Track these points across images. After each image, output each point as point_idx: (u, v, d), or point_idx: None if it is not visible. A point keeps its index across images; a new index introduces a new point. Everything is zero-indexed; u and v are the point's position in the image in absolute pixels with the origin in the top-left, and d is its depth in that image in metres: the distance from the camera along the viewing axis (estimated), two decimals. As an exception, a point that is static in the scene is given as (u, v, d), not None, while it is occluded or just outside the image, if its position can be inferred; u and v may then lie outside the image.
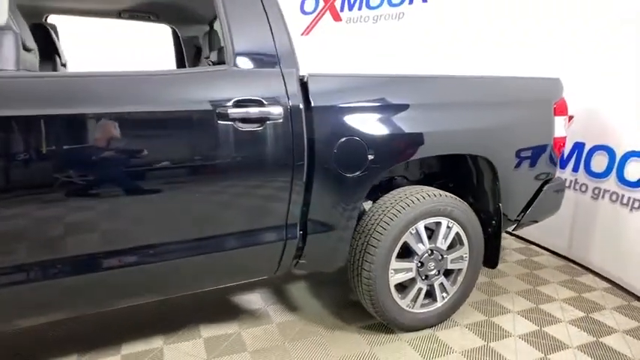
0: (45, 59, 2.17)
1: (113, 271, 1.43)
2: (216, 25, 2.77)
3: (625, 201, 2.53)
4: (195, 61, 2.88)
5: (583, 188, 2.81)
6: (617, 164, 2.58)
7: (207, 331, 2.06)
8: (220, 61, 2.26)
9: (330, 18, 4.71)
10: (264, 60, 1.61)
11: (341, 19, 4.65)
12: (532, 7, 3.16)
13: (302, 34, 4.83)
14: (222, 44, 1.64)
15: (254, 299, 2.38)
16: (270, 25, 1.62)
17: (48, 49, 2.20)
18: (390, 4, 4.33)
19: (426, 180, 2.37)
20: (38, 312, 1.46)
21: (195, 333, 2.04)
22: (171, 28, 2.82)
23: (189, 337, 2.01)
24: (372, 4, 4.45)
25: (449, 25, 3.82)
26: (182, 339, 1.99)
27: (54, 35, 2.27)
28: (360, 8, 4.54)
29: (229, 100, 1.50)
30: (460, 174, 2.30)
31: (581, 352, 1.96)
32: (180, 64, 2.91)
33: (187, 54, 2.87)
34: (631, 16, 2.52)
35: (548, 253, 3.11)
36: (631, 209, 2.50)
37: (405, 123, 1.81)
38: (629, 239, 2.49)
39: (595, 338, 2.08)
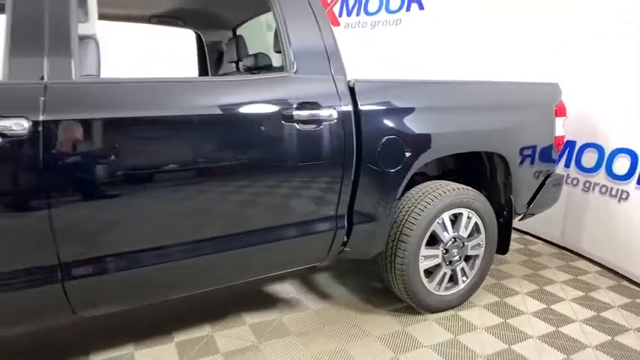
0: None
1: (205, 257, 1.59)
2: (240, 31, 2.92)
3: (614, 193, 2.83)
4: (218, 64, 3.02)
5: (574, 182, 3.11)
6: (606, 160, 2.89)
7: (251, 318, 2.21)
8: (256, 67, 2.42)
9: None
10: (318, 67, 1.78)
11: (339, 24, 4.84)
12: (527, 13, 3.43)
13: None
14: (282, 53, 1.79)
15: (286, 289, 2.53)
16: (322, 38, 1.80)
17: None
18: (388, 11, 4.56)
19: (443, 176, 2.59)
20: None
21: (240, 320, 2.19)
22: (196, 33, 2.94)
23: (236, 324, 2.15)
24: (370, 10, 4.67)
25: (445, 31, 4.07)
26: (229, 326, 2.14)
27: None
28: (358, 14, 4.75)
29: (292, 103, 1.67)
30: (474, 170, 2.53)
31: (586, 325, 2.22)
32: (203, 67, 3.04)
33: (210, 58, 3.00)
34: (618, 23, 2.82)
35: (542, 242, 3.41)
36: (619, 200, 2.80)
37: (437, 123, 2.03)
38: (619, 227, 2.79)
39: (596, 313, 2.35)
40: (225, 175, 1.59)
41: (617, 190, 2.81)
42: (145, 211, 1.46)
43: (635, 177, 2.69)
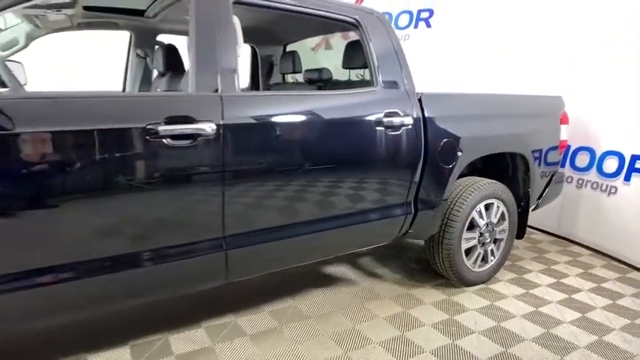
0: (175, 76, 2.60)
1: (321, 232, 2.00)
2: (290, 47, 3.32)
3: (604, 188, 3.42)
4: (268, 75, 3.40)
5: (569, 180, 3.68)
6: (597, 161, 3.47)
7: (321, 292, 2.61)
8: (320, 80, 2.83)
9: (339, 36, 5.35)
10: (396, 83, 2.22)
11: (350, 38, 5.30)
12: (526, 32, 3.97)
13: (312, 50, 5.43)
14: (369, 72, 2.22)
15: (334, 270, 2.95)
16: (398, 58, 2.24)
17: (178, 66, 2.63)
18: (397, 27, 5.06)
19: (471, 173, 3.07)
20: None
21: (313, 294, 2.58)
22: (252, 47, 3.32)
23: (310, 298, 2.55)
24: (381, 26, 5.15)
25: (450, 47, 4.60)
26: (303, 301, 2.53)
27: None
28: (370, 29, 5.22)
29: (381, 112, 2.10)
30: (498, 168, 3.02)
31: (592, 294, 2.75)
32: (254, 77, 3.41)
33: (262, 69, 3.38)
34: (613, 37, 3.39)
35: (539, 232, 3.97)
36: (608, 194, 3.39)
37: (481, 128, 2.51)
38: (609, 216, 3.37)
39: (597, 284, 2.89)
40: (335, 168, 2.00)
41: (607, 185, 3.40)
42: (288, 196, 1.85)
43: (623, 174, 3.27)
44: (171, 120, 1.54)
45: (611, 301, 2.66)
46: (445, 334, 2.22)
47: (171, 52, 2.58)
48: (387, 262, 3.13)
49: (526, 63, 3.90)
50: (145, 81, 2.93)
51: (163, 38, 2.98)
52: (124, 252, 1.54)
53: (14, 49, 2.45)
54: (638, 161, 3.18)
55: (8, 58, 2.40)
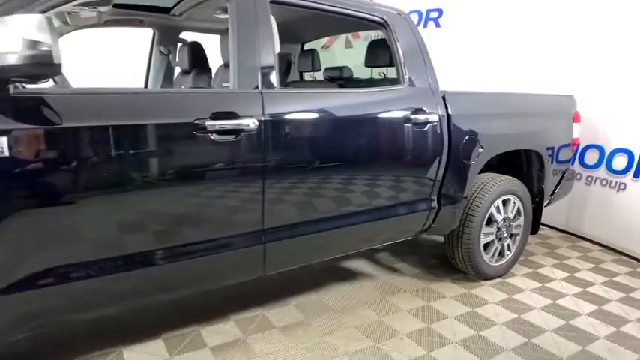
0: (202, 73, 2.64)
1: (356, 225, 2.05)
2: (308, 46, 3.37)
3: (613, 185, 3.50)
4: (286, 73, 3.44)
5: (578, 177, 3.75)
6: (606, 158, 3.55)
7: (344, 286, 2.66)
8: (341, 77, 2.88)
9: (351, 35, 5.40)
10: (422, 81, 2.28)
11: (360, 37, 5.35)
12: (534, 33, 4.05)
13: (322, 48, 5.47)
14: (396, 70, 2.27)
15: (354, 265, 3.00)
16: (423, 58, 2.30)
17: (203, 64, 2.67)
18: (406, 27, 5.11)
19: (485, 170, 3.14)
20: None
21: (336, 287, 2.64)
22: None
23: (334, 291, 2.60)
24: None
25: (460, 46, 4.66)
26: (327, 295, 2.58)
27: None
28: (378, 28, 5.27)
29: (409, 109, 2.16)
30: (512, 164, 3.08)
31: (605, 287, 2.83)
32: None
33: (280, 67, 3.42)
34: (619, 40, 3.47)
35: (548, 227, 4.04)
36: (617, 190, 3.47)
37: (501, 126, 2.58)
38: (618, 212, 3.45)
39: (609, 278, 2.97)
40: (365, 163, 2.06)
41: (616, 182, 3.48)
42: (323, 190, 1.91)
43: (632, 171, 3.35)
44: (217, 116, 1.58)
45: (625, 294, 2.73)
46: (469, 326, 2.28)
47: (197, 49, 2.62)
48: (405, 257, 3.19)
49: (535, 62, 3.97)
50: (167, 78, 2.97)
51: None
52: (175, 244, 1.58)
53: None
54: (647, 158, 3.26)
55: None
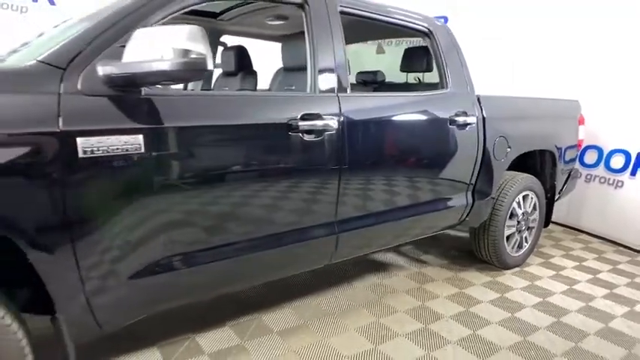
0: (248, 76, 2.78)
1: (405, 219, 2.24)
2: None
3: (611, 182, 3.82)
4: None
5: (578, 175, 4.07)
6: (604, 158, 3.87)
7: (379, 278, 2.85)
8: (374, 81, 3.07)
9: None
10: (462, 86, 2.50)
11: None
12: (533, 42, 4.35)
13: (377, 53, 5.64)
14: (439, 76, 2.48)
15: (384, 258, 3.20)
16: (462, 65, 2.52)
17: (249, 67, 2.80)
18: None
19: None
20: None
21: (369, 279, 2.82)
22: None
23: (369, 282, 2.79)
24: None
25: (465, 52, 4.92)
26: (372, 282, 2.76)
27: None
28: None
29: (453, 111, 2.37)
30: (528, 163, 3.34)
31: (612, 274, 3.12)
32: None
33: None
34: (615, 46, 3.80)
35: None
36: (615, 187, 3.79)
37: (525, 128, 2.83)
38: (616, 207, 3.78)
39: (613, 266, 3.27)
40: (419, 160, 2.26)
41: (614, 180, 3.80)
42: (385, 184, 2.09)
43: (629, 170, 3.68)
44: (306, 116, 1.74)
45: (630, 280, 3.03)
46: (502, 309, 2.51)
47: (243, 53, 2.75)
48: (429, 249, 3.41)
49: (537, 67, 4.27)
50: (206, 80, 3.08)
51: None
52: (270, 233, 1.74)
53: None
54: (643, 158, 3.60)
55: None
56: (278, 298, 2.48)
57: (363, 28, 2.49)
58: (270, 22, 2.78)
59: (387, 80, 3.13)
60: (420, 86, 2.90)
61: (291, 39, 2.25)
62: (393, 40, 4.33)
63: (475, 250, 3.07)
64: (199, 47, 1.24)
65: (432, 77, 2.74)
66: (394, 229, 2.27)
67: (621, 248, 3.71)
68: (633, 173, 3.67)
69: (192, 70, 1.24)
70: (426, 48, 2.57)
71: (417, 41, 3.08)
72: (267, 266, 1.85)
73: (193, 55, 1.24)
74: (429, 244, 3.51)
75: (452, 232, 3.64)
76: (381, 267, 3.03)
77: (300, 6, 1.90)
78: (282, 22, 2.79)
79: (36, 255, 1.21)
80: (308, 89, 1.88)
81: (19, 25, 4.09)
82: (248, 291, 2.56)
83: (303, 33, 1.93)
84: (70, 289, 1.30)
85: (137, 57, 1.26)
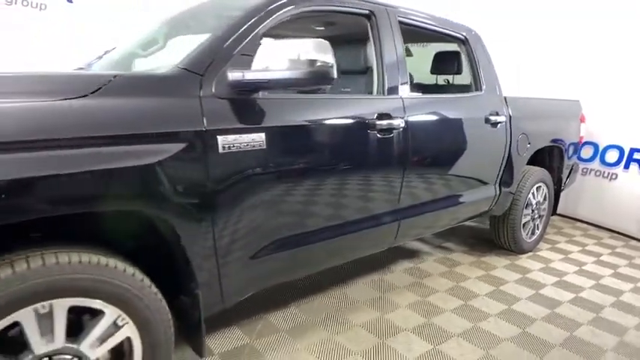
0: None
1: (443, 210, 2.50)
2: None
3: (606, 175, 4.21)
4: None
5: (578, 168, 4.43)
6: (600, 153, 4.26)
7: (408, 263, 3.12)
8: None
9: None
10: (493, 88, 2.77)
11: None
12: (532, 42, 4.69)
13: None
14: (473, 79, 2.75)
15: (412, 245, 3.47)
16: (492, 69, 2.80)
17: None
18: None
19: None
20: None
21: (403, 264, 3.09)
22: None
23: (402, 267, 3.05)
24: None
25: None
26: (407, 267, 3.03)
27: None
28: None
29: (487, 111, 2.64)
30: (538, 158, 3.66)
31: (612, 257, 3.50)
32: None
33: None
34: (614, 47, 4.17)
35: (546, 213, 4.73)
36: (610, 179, 4.19)
37: (541, 126, 3.14)
38: (610, 198, 4.17)
39: (612, 250, 3.65)
40: (462, 155, 2.52)
41: (609, 173, 4.19)
42: (434, 176, 2.35)
43: (623, 164, 4.08)
44: (380, 116, 1.97)
45: (629, 261, 3.41)
46: (528, 287, 2.81)
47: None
48: (449, 238, 3.70)
49: (539, 68, 4.62)
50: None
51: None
52: (352, 219, 1.97)
53: (154, 48, 2.70)
54: (636, 153, 3.99)
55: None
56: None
57: (406, 34, 2.73)
58: (315, 27, 2.98)
59: (414, 82, 3.38)
60: (451, 88, 3.16)
61: (348, 44, 2.47)
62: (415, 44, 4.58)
63: (495, 237, 3.38)
64: (327, 58, 1.45)
65: (460, 79, 3.02)
66: (442, 216, 2.54)
67: (616, 234, 4.10)
68: (626, 166, 4.06)
69: (320, 78, 1.45)
70: (456, 52, 2.84)
71: (441, 45, 3.33)
72: (349, 247, 2.09)
73: (321, 65, 1.45)
74: (448, 233, 3.80)
75: (466, 222, 3.94)
76: (411, 254, 3.30)
77: (368, 17, 2.12)
78: (329, 28, 2.99)
79: (187, 236, 1.40)
80: (374, 92, 2.11)
81: (38, 22, 4.13)
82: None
83: (359, 39, 2.16)
84: (208, 268, 1.49)
85: (266, 65, 1.46)
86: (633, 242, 3.91)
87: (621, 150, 4.11)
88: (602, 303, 2.65)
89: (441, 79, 3.29)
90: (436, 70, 3.05)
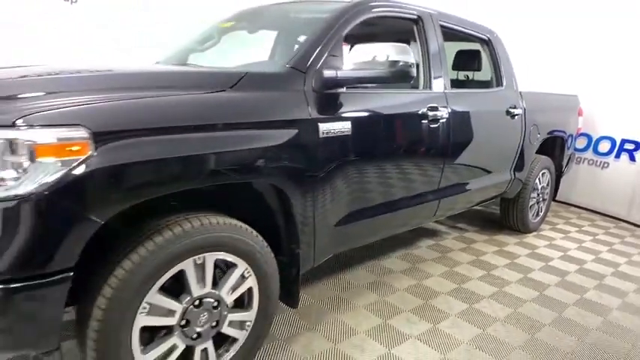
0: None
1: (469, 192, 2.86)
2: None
3: (598, 164, 4.65)
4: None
5: (575, 157, 4.86)
6: (593, 143, 4.70)
7: (430, 241, 3.48)
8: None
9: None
10: (511, 84, 3.13)
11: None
12: (530, 38, 5.07)
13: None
14: (494, 76, 3.09)
15: (429, 225, 3.83)
16: (511, 67, 3.15)
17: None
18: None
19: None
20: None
21: (425, 242, 3.45)
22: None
23: (426, 244, 3.41)
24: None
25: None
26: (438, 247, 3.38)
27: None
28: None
29: (507, 104, 3.00)
30: (542, 147, 4.04)
31: (606, 236, 3.93)
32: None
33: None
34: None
35: (543, 198, 5.16)
36: (602, 168, 4.63)
37: (549, 117, 3.52)
38: (601, 184, 4.61)
39: (605, 230, 4.09)
40: (488, 144, 2.87)
41: (601, 161, 4.64)
42: (466, 160, 2.69)
43: (614, 153, 4.52)
44: (431, 108, 2.29)
45: (621, 239, 3.85)
46: (538, 260, 3.21)
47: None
48: (459, 219, 4.07)
49: (534, 63, 5.00)
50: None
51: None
52: (405, 196, 2.30)
53: (209, 43, 2.95)
54: (626, 143, 4.43)
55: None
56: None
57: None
58: (369, 30, 3.27)
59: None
60: (472, 83, 3.50)
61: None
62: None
63: (504, 218, 3.77)
64: (409, 58, 1.75)
65: (478, 76, 3.37)
66: (471, 195, 2.89)
67: (606, 217, 4.56)
68: (617, 156, 4.51)
69: (402, 76, 1.76)
70: (477, 51, 3.17)
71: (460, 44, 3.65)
72: (403, 220, 2.43)
73: (403, 64, 1.75)
74: (459, 215, 4.17)
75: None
76: (432, 233, 3.65)
77: (415, 21, 2.43)
78: (380, 30, 3.27)
79: (297, 204, 1.70)
80: (421, 87, 2.43)
81: (68, 15, 4.29)
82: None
83: (403, 40, 2.47)
84: (308, 232, 1.80)
85: (356, 65, 1.77)
86: (622, 224, 4.37)
87: (613, 141, 4.55)
88: (603, 273, 3.07)
89: (461, 75, 3.63)
90: (458, 67, 3.38)
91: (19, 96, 1.24)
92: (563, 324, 2.34)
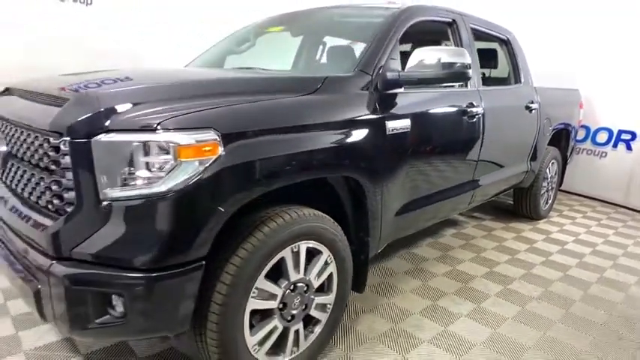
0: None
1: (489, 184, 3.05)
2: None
3: (596, 153, 4.94)
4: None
5: (577, 148, 5.14)
6: (591, 134, 4.98)
7: (452, 230, 3.68)
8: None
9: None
10: (528, 81, 3.34)
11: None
12: (531, 31, 5.32)
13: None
14: (513, 73, 3.30)
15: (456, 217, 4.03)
16: (527, 65, 3.36)
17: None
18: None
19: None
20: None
21: (446, 231, 3.65)
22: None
23: (445, 234, 3.61)
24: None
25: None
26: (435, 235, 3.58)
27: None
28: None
29: (526, 100, 3.21)
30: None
31: (609, 221, 4.21)
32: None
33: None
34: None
35: (543, 188, 5.44)
36: (600, 157, 4.92)
37: (559, 111, 3.76)
38: (600, 173, 4.91)
39: (607, 216, 4.38)
40: (510, 138, 3.07)
41: (599, 151, 4.92)
42: (496, 152, 2.88)
43: (612, 143, 4.81)
44: (469, 105, 2.47)
45: (624, 223, 4.14)
46: (554, 244, 3.44)
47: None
48: (474, 209, 4.27)
49: (533, 57, 5.25)
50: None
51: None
52: (450, 186, 2.48)
53: (246, 45, 3.07)
54: (623, 134, 4.73)
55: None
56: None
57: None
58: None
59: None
60: (490, 80, 3.70)
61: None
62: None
63: (517, 206, 4.00)
64: (465, 60, 1.92)
65: (495, 73, 3.57)
66: (497, 185, 3.10)
67: (605, 204, 4.86)
68: (615, 146, 4.80)
69: (459, 76, 1.93)
70: (494, 49, 3.38)
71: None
72: (447, 209, 2.61)
73: (459, 66, 1.92)
74: (479, 209, 4.39)
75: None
76: (452, 222, 3.86)
77: (449, 24, 2.61)
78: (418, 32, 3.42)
79: (370, 196, 1.85)
80: (458, 85, 2.60)
81: (84, 17, 4.31)
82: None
83: (435, 41, 2.66)
84: (376, 221, 1.96)
85: (415, 66, 1.93)
86: (621, 209, 4.67)
87: (610, 132, 4.84)
88: (615, 254, 3.32)
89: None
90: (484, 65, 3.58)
91: (147, 102, 1.35)
92: (591, 299, 2.57)
